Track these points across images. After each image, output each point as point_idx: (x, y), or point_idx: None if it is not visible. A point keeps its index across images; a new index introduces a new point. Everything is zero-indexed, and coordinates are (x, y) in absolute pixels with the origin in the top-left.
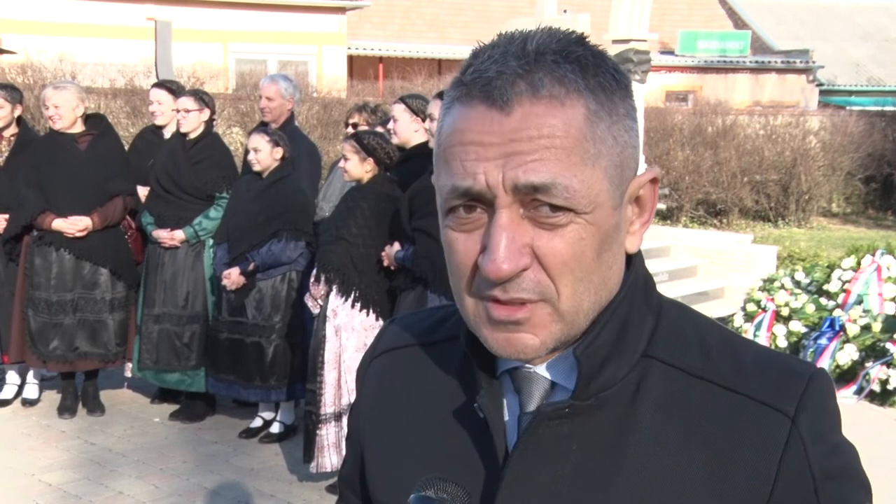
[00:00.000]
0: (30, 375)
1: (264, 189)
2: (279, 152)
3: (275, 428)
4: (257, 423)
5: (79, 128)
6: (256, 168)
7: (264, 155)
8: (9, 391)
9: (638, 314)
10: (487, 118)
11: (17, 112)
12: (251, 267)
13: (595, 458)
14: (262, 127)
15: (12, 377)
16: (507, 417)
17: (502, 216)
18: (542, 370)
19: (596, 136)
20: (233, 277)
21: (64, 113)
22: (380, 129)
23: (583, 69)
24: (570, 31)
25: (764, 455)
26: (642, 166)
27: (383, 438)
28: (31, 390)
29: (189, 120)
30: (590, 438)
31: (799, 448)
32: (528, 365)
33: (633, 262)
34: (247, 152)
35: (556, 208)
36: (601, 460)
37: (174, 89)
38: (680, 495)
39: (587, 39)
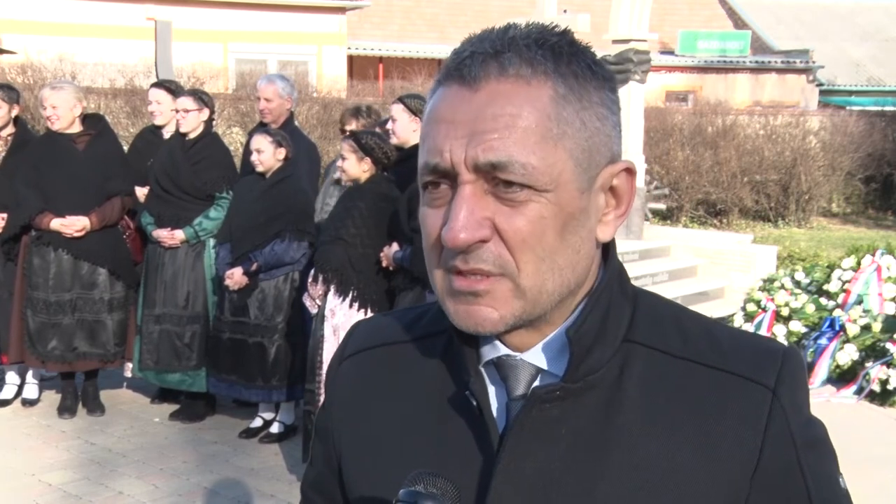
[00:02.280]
0: (29, 375)
1: (267, 189)
2: (282, 153)
3: (275, 428)
4: (257, 423)
5: (77, 128)
6: (259, 169)
7: (267, 156)
8: (9, 391)
9: (617, 301)
10: (458, 97)
11: (15, 112)
12: (254, 267)
13: (585, 440)
14: (264, 128)
15: (12, 377)
16: (494, 405)
17: (465, 189)
18: (528, 356)
19: (561, 117)
20: (235, 278)
21: (62, 113)
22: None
23: (555, 55)
24: (556, 25)
25: (749, 426)
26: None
27: (364, 439)
28: (30, 390)
29: (188, 120)
30: (579, 421)
31: (781, 418)
32: (513, 353)
33: (610, 252)
34: (247, 152)
35: (510, 184)
36: (591, 442)
37: (173, 89)
38: (670, 471)
39: (570, 34)
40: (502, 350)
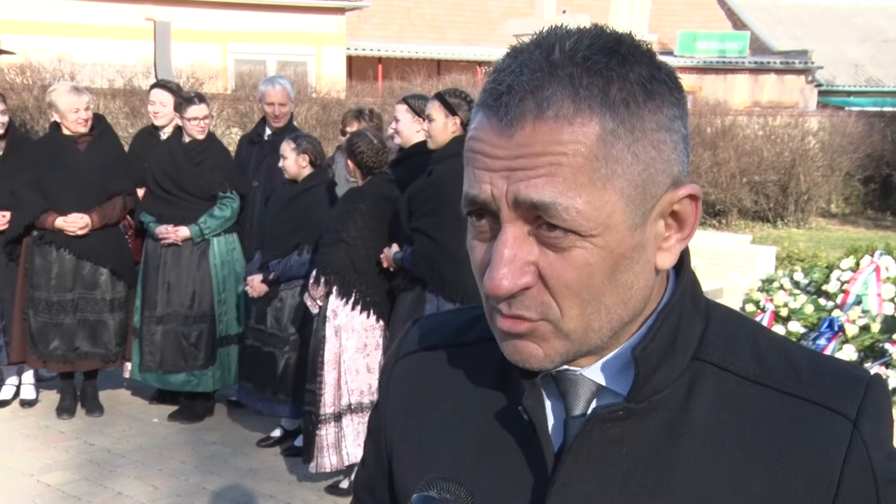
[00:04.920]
0: (27, 376)
1: (293, 198)
2: (304, 159)
3: (299, 441)
4: (276, 433)
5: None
6: (286, 176)
7: (290, 162)
8: (7, 392)
9: (688, 317)
10: (495, 132)
11: (5, 118)
12: (271, 276)
13: (646, 463)
14: (291, 135)
15: (10, 378)
16: (551, 421)
17: (506, 232)
18: (588, 373)
19: (610, 155)
20: (254, 285)
21: (88, 115)
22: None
23: (605, 82)
24: (609, 33)
25: (826, 459)
26: None
27: (415, 441)
28: (27, 391)
29: (206, 127)
30: (640, 443)
31: (861, 452)
32: (573, 367)
33: (684, 264)
34: (238, 153)
35: (553, 227)
36: (653, 466)
37: (175, 90)
38: (738, 502)
39: (625, 46)
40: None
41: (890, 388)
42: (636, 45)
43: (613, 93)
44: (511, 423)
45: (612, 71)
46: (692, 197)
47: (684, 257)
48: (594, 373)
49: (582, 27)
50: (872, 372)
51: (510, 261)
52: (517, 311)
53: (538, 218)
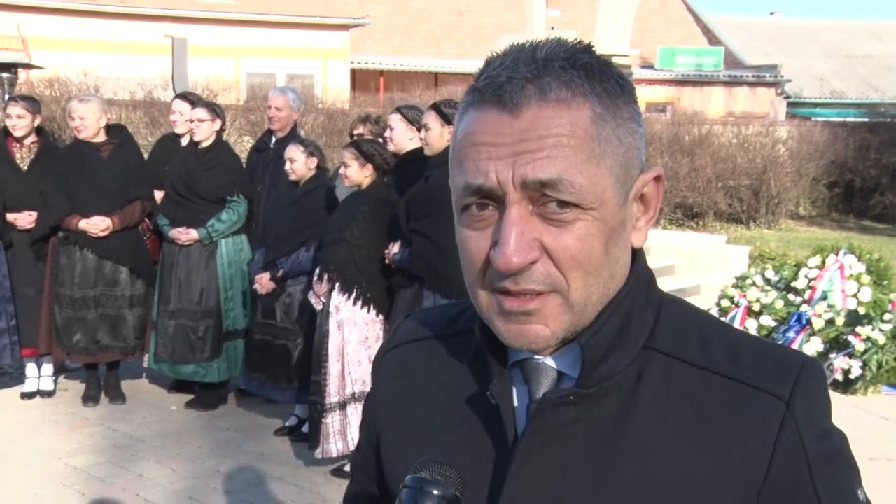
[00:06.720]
0: (45, 369)
1: (298, 199)
2: (314, 162)
3: (305, 428)
4: (292, 421)
5: (102, 137)
6: (292, 178)
7: (299, 165)
8: (31, 384)
9: (640, 309)
10: (498, 121)
11: (37, 122)
12: (280, 274)
13: (599, 443)
14: (299, 139)
15: (32, 370)
16: (516, 404)
17: (512, 212)
18: (551, 360)
19: (601, 136)
20: (263, 282)
21: (88, 123)
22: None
23: (588, 75)
24: (578, 41)
25: (760, 437)
26: None
27: (399, 426)
28: (46, 383)
29: (202, 129)
30: (593, 425)
31: (793, 430)
32: (536, 356)
33: (637, 259)
34: (250, 158)
35: (563, 204)
36: (604, 445)
37: (193, 101)
38: (681, 478)
39: (594, 49)
40: (526, 352)
41: (853, 376)
42: (600, 55)
43: (597, 84)
44: (482, 408)
45: (593, 67)
46: (657, 178)
47: (639, 258)
48: (555, 360)
49: (549, 38)
50: (836, 361)
51: (519, 237)
52: (526, 286)
53: (543, 196)
